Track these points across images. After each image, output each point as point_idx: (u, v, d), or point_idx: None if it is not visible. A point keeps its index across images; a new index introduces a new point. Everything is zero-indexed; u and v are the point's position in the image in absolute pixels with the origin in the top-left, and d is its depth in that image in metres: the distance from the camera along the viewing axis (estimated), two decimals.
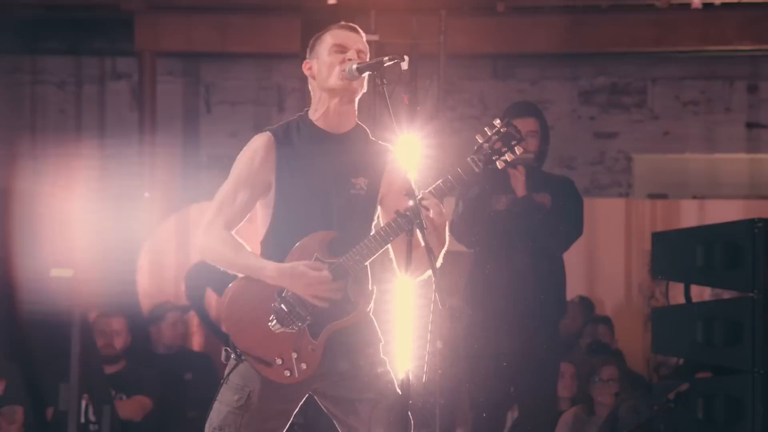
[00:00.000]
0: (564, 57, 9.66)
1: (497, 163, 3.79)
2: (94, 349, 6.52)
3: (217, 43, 9.31)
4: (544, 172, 5.93)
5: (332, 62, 3.81)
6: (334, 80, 3.80)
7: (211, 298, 8.59)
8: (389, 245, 3.77)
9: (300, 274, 3.70)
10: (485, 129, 3.79)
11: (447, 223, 3.78)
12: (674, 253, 5.64)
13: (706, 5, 8.92)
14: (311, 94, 3.90)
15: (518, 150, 3.79)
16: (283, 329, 3.72)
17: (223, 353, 3.81)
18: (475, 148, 3.77)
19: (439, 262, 3.74)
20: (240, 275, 3.78)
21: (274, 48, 9.12)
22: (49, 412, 6.82)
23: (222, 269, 3.80)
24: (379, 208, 3.90)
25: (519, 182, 5.74)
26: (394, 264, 3.87)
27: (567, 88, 9.85)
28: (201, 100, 10.03)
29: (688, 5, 8.88)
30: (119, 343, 7.11)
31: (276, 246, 3.78)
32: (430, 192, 3.73)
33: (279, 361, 3.72)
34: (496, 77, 9.90)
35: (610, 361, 7.16)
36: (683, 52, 9.40)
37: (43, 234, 8.55)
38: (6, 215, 8.77)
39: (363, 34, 3.90)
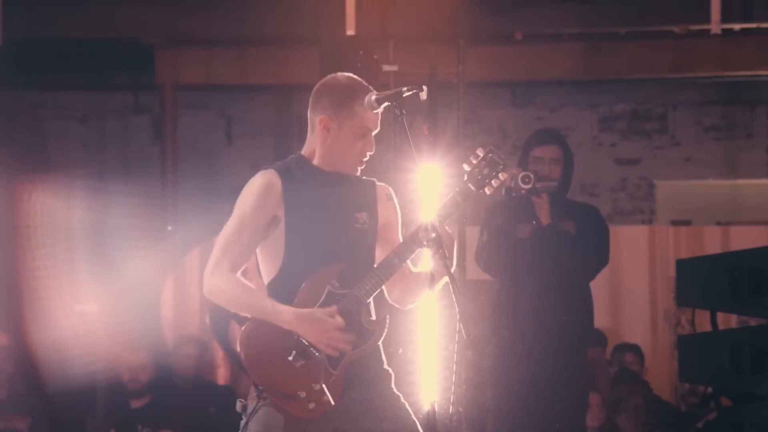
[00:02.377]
0: (583, 84, 9.65)
1: (486, 188, 3.82)
2: (119, 384, 6.53)
3: (237, 76, 9.34)
4: (569, 199, 5.91)
5: (355, 146, 3.84)
6: (351, 163, 3.84)
7: (236, 330, 8.59)
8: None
9: (317, 320, 3.71)
10: (470, 158, 3.83)
11: (455, 244, 3.79)
12: (699, 280, 5.61)
13: (725, 31, 8.90)
14: (313, 139, 3.88)
15: (502, 176, 3.82)
16: (303, 362, 3.72)
17: (239, 404, 3.81)
18: (465, 173, 3.80)
19: (441, 284, 3.77)
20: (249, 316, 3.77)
21: (294, 79, 9.14)
22: None
23: (231, 311, 3.80)
24: None
25: (543, 210, 5.73)
26: (385, 293, 3.89)
27: (587, 115, 9.84)
28: (222, 132, 10.07)
29: (707, 31, 8.87)
30: (144, 376, 7.11)
31: (290, 281, 3.78)
32: (436, 216, 3.75)
33: (302, 395, 3.72)
34: (516, 105, 9.91)
35: (637, 390, 7.12)
36: (703, 77, 9.38)
37: (68, 269, 8.59)
38: (29, 251, 8.81)
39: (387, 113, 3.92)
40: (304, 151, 3.91)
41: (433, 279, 3.73)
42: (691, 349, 5.70)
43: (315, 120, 3.88)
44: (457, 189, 3.80)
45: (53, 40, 9.17)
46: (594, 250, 5.75)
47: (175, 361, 7.72)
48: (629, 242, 8.42)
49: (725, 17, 8.85)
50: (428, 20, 8.74)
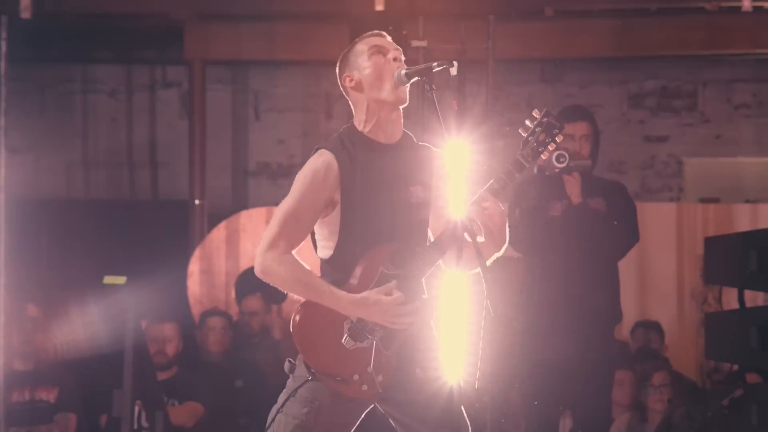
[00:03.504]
0: (613, 61, 9.60)
1: (542, 154, 3.78)
2: (146, 356, 6.57)
3: (266, 51, 9.34)
4: (596, 176, 5.90)
5: (377, 63, 3.81)
6: (386, 91, 3.79)
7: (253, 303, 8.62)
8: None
9: (374, 302, 3.70)
10: (526, 122, 3.78)
11: (506, 223, 3.78)
12: (727, 257, 5.58)
13: (756, 8, 8.83)
14: (355, 106, 3.88)
15: (558, 138, 3.78)
16: (356, 345, 3.73)
17: (287, 364, 3.81)
18: (521, 143, 3.77)
19: (492, 259, 3.78)
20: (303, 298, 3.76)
21: (322, 55, 9.13)
22: (103, 418, 6.88)
23: (284, 291, 3.79)
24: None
25: (574, 189, 5.71)
26: (440, 261, 3.85)
27: (616, 92, 9.80)
28: (250, 107, 10.08)
29: (738, 8, 8.80)
30: (171, 349, 7.15)
31: (345, 261, 3.77)
32: (486, 191, 3.73)
33: (356, 377, 3.72)
34: (545, 81, 9.87)
35: (662, 366, 7.10)
36: (734, 55, 9.31)
37: (96, 242, 8.64)
38: (59, 224, 8.87)
39: (390, 38, 3.90)
40: (356, 122, 3.88)
41: (480, 256, 3.68)
42: (718, 327, 5.68)
43: (344, 85, 3.88)
44: (510, 159, 3.76)
45: (83, 14, 9.19)
46: (624, 228, 5.73)
47: (201, 335, 7.76)
48: (657, 220, 8.39)
49: None
50: None
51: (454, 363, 5.65)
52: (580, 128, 5.76)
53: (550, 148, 3.78)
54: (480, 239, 3.75)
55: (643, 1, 8.93)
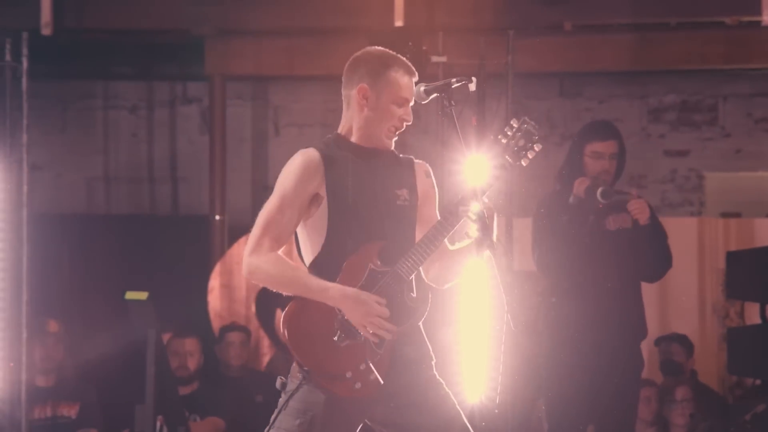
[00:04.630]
0: (632, 75, 9.58)
1: (522, 160, 3.80)
2: (168, 371, 6.58)
3: (286, 67, 9.37)
4: (619, 190, 5.85)
5: (392, 115, 3.84)
6: (381, 137, 3.85)
7: (281, 318, 8.62)
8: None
9: (362, 301, 3.69)
10: (504, 129, 3.81)
11: (495, 217, 3.78)
12: (749, 272, 5.57)
13: None
14: (351, 114, 3.89)
15: (536, 147, 3.80)
16: (348, 342, 3.72)
17: (279, 381, 3.80)
18: (502, 147, 3.78)
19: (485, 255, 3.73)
20: (292, 295, 3.76)
21: (341, 70, 9.14)
22: None
23: (273, 290, 3.79)
24: None
25: (644, 213, 5.64)
26: (422, 273, 3.86)
27: (636, 106, 9.78)
28: (269, 122, 10.10)
29: (758, 23, 8.77)
30: (193, 364, 7.16)
31: (332, 260, 3.77)
32: (468, 193, 3.75)
33: (348, 375, 3.71)
34: (564, 96, 9.86)
35: (684, 381, 7.07)
36: (754, 69, 9.28)
37: (117, 257, 8.66)
38: (81, 240, 8.90)
39: (416, 77, 3.92)
40: (341, 129, 3.92)
41: (475, 251, 3.71)
42: (740, 342, 5.67)
43: (351, 92, 3.88)
44: (494, 162, 3.77)
45: (103, 30, 9.23)
46: (657, 250, 5.68)
47: (222, 349, 7.77)
48: (678, 234, 8.33)
49: None
50: (477, 11, 8.72)
51: (475, 377, 5.65)
52: (610, 147, 5.71)
53: (529, 155, 3.79)
54: (465, 242, 3.77)
55: (663, 15, 8.92)
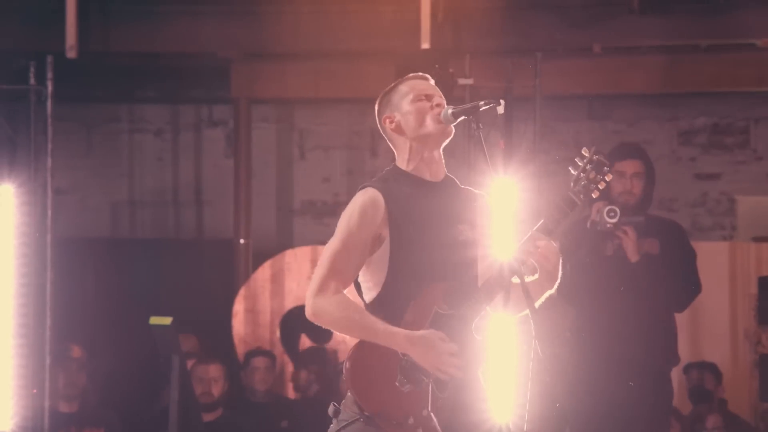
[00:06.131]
0: (662, 97, 9.51)
1: (593, 193, 3.70)
2: (192, 397, 6.52)
3: (311, 90, 9.34)
4: (650, 214, 5.78)
5: (421, 108, 3.77)
6: (431, 126, 3.76)
7: (306, 344, 8.57)
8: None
9: (431, 344, 3.60)
10: (576, 160, 3.71)
11: (560, 261, 3.70)
12: None
13: None
14: (396, 148, 3.84)
15: (608, 177, 3.70)
16: (410, 387, 3.65)
17: (331, 407, 3.73)
18: (572, 180, 3.70)
19: (545, 297, 3.69)
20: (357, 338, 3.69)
21: (367, 93, 9.03)
22: None
23: (337, 332, 3.74)
24: None
25: (630, 247, 5.58)
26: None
27: (666, 129, 9.69)
28: (295, 146, 10.07)
29: None
30: (217, 390, 7.10)
31: (395, 299, 3.70)
32: (537, 231, 3.66)
33: (411, 421, 3.63)
34: (592, 118, 9.79)
35: (715, 409, 6.97)
36: None
37: (142, 282, 8.63)
38: (105, 264, 8.88)
39: (433, 81, 3.87)
40: (397, 161, 3.85)
41: (546, 286, 3.68)
42: None
43: (384, 128, 3.85)
44: (562, 197, 3.69)
45: (128, 54, 9.24)
46: (683, 278, 5.60)
47: (247, 375, 7.71)
48: (709, 259, 8.26)
49: None
50: (504, 33, 8.66)
51: (503, 405, 5.56)
52: (631, 166, 5.68)
53: (600, 186, 3.70)
54: (532, 278, 3.68)
55: (693, 37, 8.84)
